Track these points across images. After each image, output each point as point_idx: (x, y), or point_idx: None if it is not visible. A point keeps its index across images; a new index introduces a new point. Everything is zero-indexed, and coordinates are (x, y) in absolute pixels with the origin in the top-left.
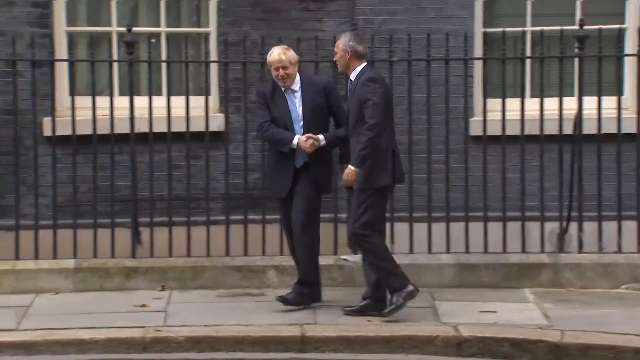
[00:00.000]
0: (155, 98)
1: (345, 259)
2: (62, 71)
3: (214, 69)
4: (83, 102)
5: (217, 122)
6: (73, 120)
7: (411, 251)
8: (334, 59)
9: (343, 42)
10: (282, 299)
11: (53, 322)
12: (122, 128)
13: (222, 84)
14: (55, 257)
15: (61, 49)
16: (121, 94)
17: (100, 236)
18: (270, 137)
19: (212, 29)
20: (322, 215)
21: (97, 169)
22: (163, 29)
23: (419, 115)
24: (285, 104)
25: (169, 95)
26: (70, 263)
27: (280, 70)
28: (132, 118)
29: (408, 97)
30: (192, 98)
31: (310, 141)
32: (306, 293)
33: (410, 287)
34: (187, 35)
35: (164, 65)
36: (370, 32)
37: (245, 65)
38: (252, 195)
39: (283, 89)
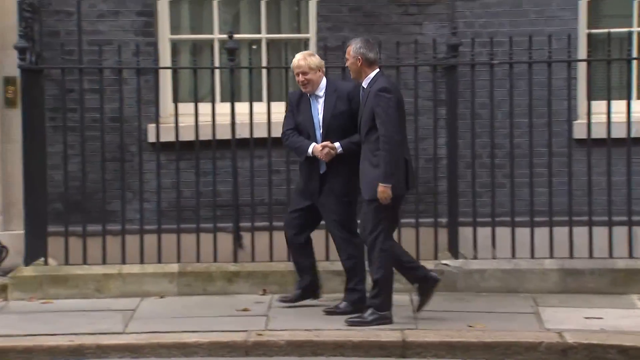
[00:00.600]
0: (255, 104)
1: (446, 264)
2: (165, 78)
3: None
4: (186, 108)
5: None
6: (176, 127)
7: (513, 256)
8: (345, 65)
9: (353, 49)
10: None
11: (158, 326)
12: (224, 134)
13: None
14: (159, 261)
15: (165, 57)
16: (223, 100)
17: (203, 240)
18: (290, 145)
19: (311, 34)
20: (422, 220)
21: (200, 174)
22: (263, 35)
23: (520, 119)
24: (309, 109)
25: (269, 101)
26: (174, 267)
27: (300, 75)
28: (233, 124)
29: (509, 101)
30: None
31: (326, 150)
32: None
33: (388, 315)
34: (287, 41)
35: (264, 71)
36: (470, 35)
37: (345, 70)
38: None
39: (309, 95)
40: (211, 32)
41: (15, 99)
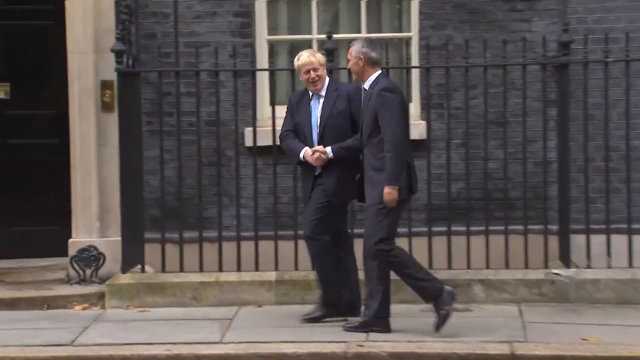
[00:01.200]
0: None
1: (557, 274)
2: (263, 81)
3: (415, 74)
4: (283, 111)
5: (419, 130)
6: (273, 130)
7: (630, 265)
8: (347, 67)
9: (356, 49)
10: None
11: (256, 336)
12: None
13: (424, 90)
14: (257, 269)
15: (262, 58)
16: None
17: (301, 248)
18: (285, 148)
19: (413, 33)
20: (531, 227)
21: (297, 179)
22: (363, 34)
23: (637, 120)
24: (307, 109)
25: None
26: (272, 275)
27: (312, 72)
28: None
29: (625, 100)
30: None
31: (317, 155)
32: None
33: (447, 288)
34: (387, 40)
35: None
36: (583, 31)
37: (448, 70)
38: (455, 206)
39: (311, 94)
40: (309, 33)
41: (112, 103)
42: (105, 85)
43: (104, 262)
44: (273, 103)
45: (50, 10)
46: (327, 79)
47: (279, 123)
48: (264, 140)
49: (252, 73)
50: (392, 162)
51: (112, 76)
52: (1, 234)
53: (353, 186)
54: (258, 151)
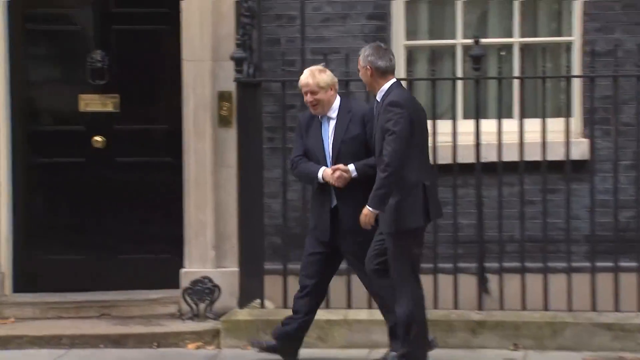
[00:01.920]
0: (505, 121)
1: None
2: None
3: (577, 85)
4: None
5: (581, 149)
6: None
7: None
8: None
9: (362, 58)
10: None
11: None
12: (466, 157)
13: (588, 103)
14: None
15: (399, 66)
16: (465, 116)
17: (442, 283)
18: (299, 173)
19: (575, 37)
20: (627, 264)
21: (449, 204)
22: (516, 39)
23: None
24: (319, 133)
25: (521, 117)
26: None
27: (308, 95)
28: (478, 145)
29: None
30: (549, 120)
31: (338, 173)
32: None
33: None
34: (544, 45)
35: (516, 81)
36: None
37: (617, 80)
38: (624, 238)
39: (320, 117)
40: (453, 37)
41: (230, 117)
42: (223, 97)
43: (219, 295)
44: None
45: (164, 14)
46: (338, 98)
47: None
48: None
49: None
50: (382, 184)
51: (231, 87)
52: (107, 263)
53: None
54: None
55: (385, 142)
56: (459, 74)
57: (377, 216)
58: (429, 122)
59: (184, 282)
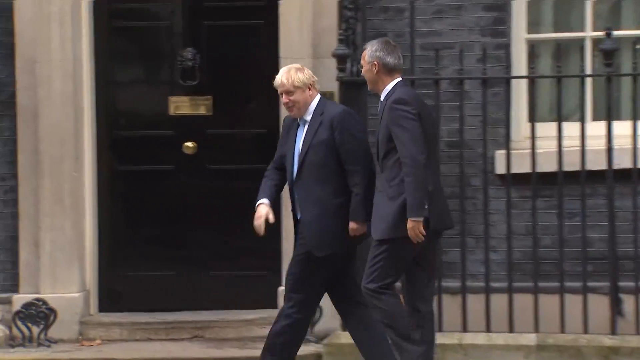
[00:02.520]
0: None
1: None
2: (519, 91)
3: None
4: (546, 129)
5: None
6: (533, 154)
7: None
8: (362, 74)
9: (369, 53)
10: None
11: None
12: (596, 163)
13: None
14: (511, 330)
15: (519, 63)
16: (595, 118)
17: (569, 304)
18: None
19: None
20: None
21: (564, 216)
22: None
23: None
24: (294, 137)
25: None
26: (531, 338)
27: (284, 96)
28: (609, 149)
29: None
30: None
31: (259, 222)
32: None
33: None
34: None
35: None
36: None
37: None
38: None
39: (298, 119)
40: (581, 29)
41: None
42: (324, 97)
43: (320, 316)
44: (533, 119)
45: (260, 7)
46: (317, 98)
47: (540, 144)
48: (520, 166)
49: (507, 81)
50: (412, 188)
51: (333, 87)
52: (199, 280)
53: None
54: (512, 180)
55: (397, 144)
56: (588, 70)
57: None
58: (553, 125)
59: (282, 301)
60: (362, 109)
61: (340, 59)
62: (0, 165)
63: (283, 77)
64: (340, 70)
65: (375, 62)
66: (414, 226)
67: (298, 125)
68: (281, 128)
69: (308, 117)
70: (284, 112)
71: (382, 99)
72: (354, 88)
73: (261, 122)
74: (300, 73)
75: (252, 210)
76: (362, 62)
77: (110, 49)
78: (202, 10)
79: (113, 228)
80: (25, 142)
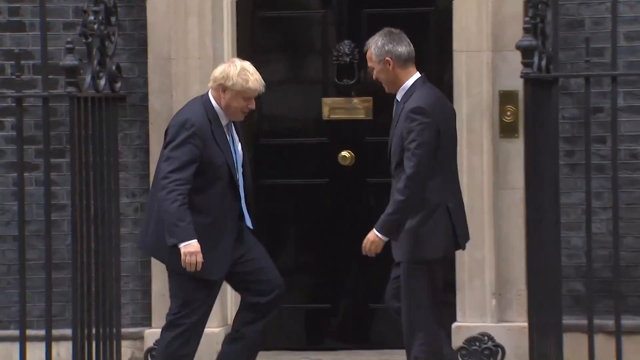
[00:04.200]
0: None
1: None
2: None
3: None
4: None
5: None
6: None
7: None
8: (374, 77)
9: (376, 51)
10: None
11: None
12: None
13: None
14: None
15: None
16: None
17: None
18: None
19: None
20: None
21: None
22: None
23: None
24: (227, 142)
25: None
26: None
27: (252, 101)
28: None
29: None
30: None
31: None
32: None
33: None
34: None
35: None
36: None
37: None
38: None
39: (225, 123)
40: None
41: (516, 124)
42: (506, 98)
43: (502, 358)
44: None
45: None
46: None
47: None
48: None
49: None
50: (397, 205)
51: (517, 85)
52: (357, 313)
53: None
54: None
55: (405, 157)
56: None
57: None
58: None
59: (457, 339)
60: (553, 112)
61: (526, 52)
62: (129, 180)
63: (259, 77)
64: (526, 65)
65: (389, 59)
66: (376, 242)
67: (218, 130)
68: None
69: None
70: (458, 116)
71: (398, 98)
72: (542, 86)
73: None
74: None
75: None
76: (370, 64)
77: (254, 43)
78: None
79: None
80: (158, 152)
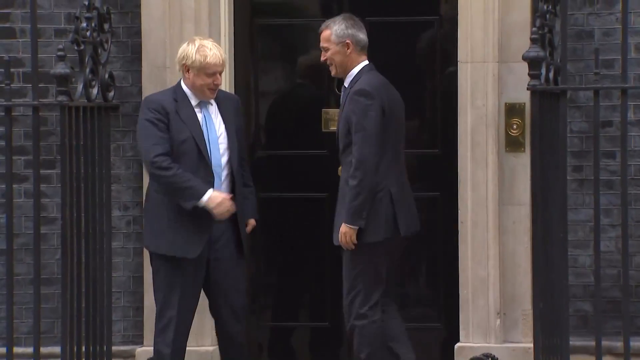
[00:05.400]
0: None
1: None
2: None
3: None
4: None
5: None
6: None
7: None
8: (323, 59)
9: (337, 31)
10: None
11: None
12: None
13: None
14: None
15: None
16: None
17: None
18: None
19: None
20: None
21: None
22: None
23: None
24: (199, 120)
25: None
26: None
27: (218, 76)
28: None
29: None
30: None
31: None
32: None
33: None
34: None
35: None
36: None
37: None
38: None
39: (195, 103)
40: None
41: (522, 138)
42: (512, 110)
43: None
44: None
45: (435, 1)
46: None
47: None
48: None
49: None
50: (355, 191)
51: (523, 97)
52: None
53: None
54: None
55: (353, 140)
56: None
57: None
58: None
59: None
60: (561, 125)
61: (533, 64)
62: (121, 192)
63: (221, 53)
64: (533, 77)
65: (348, 41)
66: (347, 232)
67: (186, 109)
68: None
69: (212, 101)
70: (462, 129)
71: (346, 84)
72: (550, 99)
73: (433, 140)
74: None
75: (425, 248)
76: (325, 44)
77: (252, 52)
78: (365, 4)
79: (254, 269)
80: None
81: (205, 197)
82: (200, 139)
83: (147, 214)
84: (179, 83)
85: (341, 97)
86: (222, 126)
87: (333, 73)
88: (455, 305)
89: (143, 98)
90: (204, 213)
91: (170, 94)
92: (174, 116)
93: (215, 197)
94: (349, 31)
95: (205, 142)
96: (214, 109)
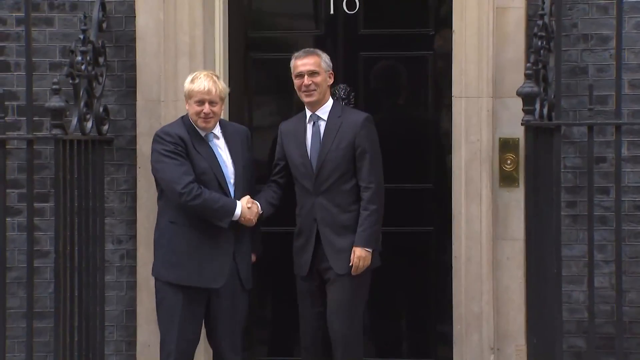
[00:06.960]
0: None
1: None
2: None
3: None
4: None
5: None
6: None
7: None
8: (308, 83)
9: (326, 60)
10: None
11: None
12: None
13: None
14: None
15: None
16: None
17: None
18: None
19: None
20: None
21: None
22: None
23: None
24: (211, 152)
25: None
26: None
27: (207, 105)
28: None
29: None
30: None
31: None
32: None
33: None
34: None
35: None
36: None
37: None
38: None
39: (204, 134)
40: None
41: (516, 173)
42: (506, 146)
43: None
44: None
45: (429, 36)
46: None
47: None
48: None
49: None
50: (375, 218)
51: (517, 133)
52: None
53: None
54: None
55: (366, 168)
56: None
57: None
58: None
59: None
60: (555, 160)
61: (527, 99)
62: (115, 226)
63: (209, 83)
64: (527, 112)
65: (332, 73)
66: (367, 257)
67: (199, 141)
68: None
69: (218, 131)
70: (456, 163)
71: (322, 115)
72: (544, 134)
73: (427, 175)
74: (221, 82)
75: (419, 282)
76: (316, 68)
77: (246, 86)
78: (358, 40)
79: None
80: (147, 198)
81: (237, 212)
82: (219, 174)
83: (160, 244)
84: (186, 116)
85: (314, 127)
86: (230, 161)
87: (314, 98)
88: (449, 341)
89: (137, 131)
90: (225, 244)
91: (180, 124)
92: (191, 148)
93: (244, 208)
94: (330, 63)
95: (224, 177)
96: (222, 142)
